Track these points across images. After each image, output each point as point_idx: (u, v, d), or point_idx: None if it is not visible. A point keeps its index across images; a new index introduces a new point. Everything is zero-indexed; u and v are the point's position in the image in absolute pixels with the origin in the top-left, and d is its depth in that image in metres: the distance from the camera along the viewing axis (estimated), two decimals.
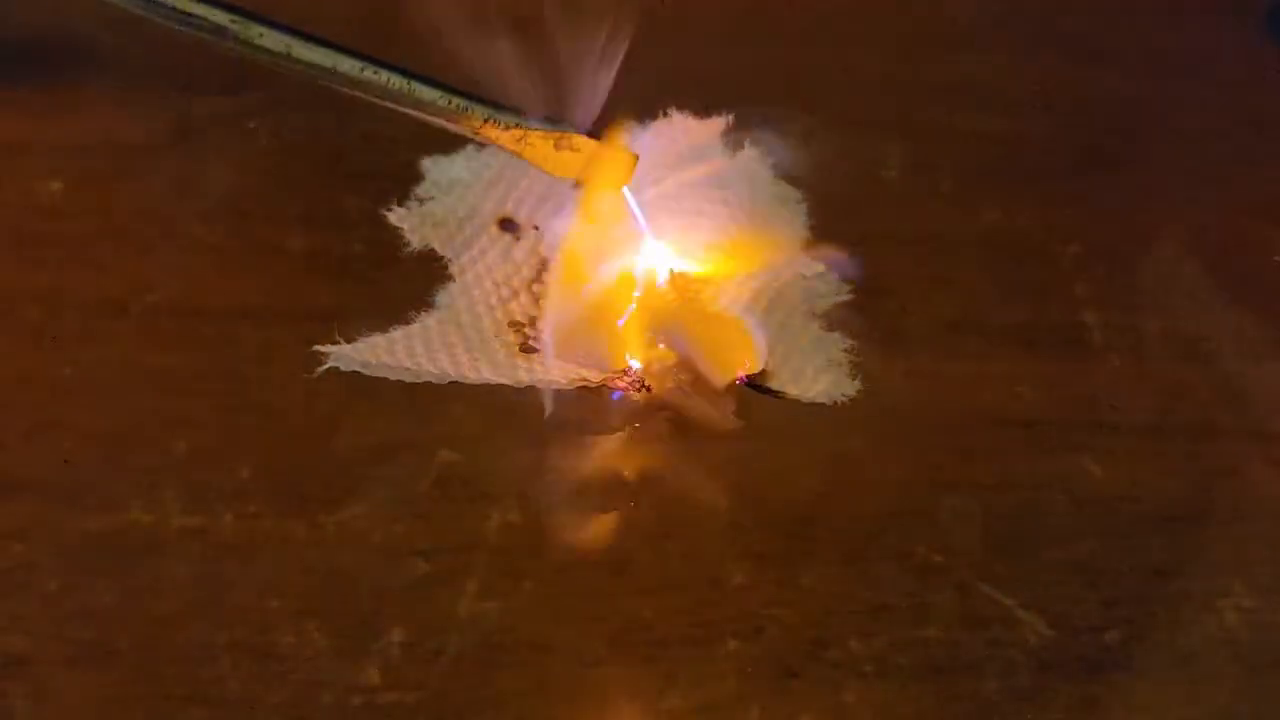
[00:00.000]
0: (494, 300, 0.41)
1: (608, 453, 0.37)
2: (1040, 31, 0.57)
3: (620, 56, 0.37)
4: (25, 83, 0.50)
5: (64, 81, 0.51)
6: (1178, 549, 0.35)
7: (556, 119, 0.38)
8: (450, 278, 0.42)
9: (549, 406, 0.37)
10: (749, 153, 0.46)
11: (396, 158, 0.47)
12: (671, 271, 0.41)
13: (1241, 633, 0.33)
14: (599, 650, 0.32)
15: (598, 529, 0.35)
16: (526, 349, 0.39)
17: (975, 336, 0.41)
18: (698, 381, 0.39)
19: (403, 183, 0.46)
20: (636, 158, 0.39)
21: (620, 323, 0.40)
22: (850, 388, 0.39)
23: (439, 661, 0.31)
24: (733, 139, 0.46)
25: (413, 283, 0.42)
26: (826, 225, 0.42)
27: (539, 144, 0.38)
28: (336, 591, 0.33)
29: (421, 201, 0.45)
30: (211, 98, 0.50)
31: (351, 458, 0.36)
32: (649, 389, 0.38)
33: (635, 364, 0.39)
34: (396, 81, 0.38)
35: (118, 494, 0.35)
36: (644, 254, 0.40)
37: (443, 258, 0.43)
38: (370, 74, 0.37)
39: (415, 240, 0.44)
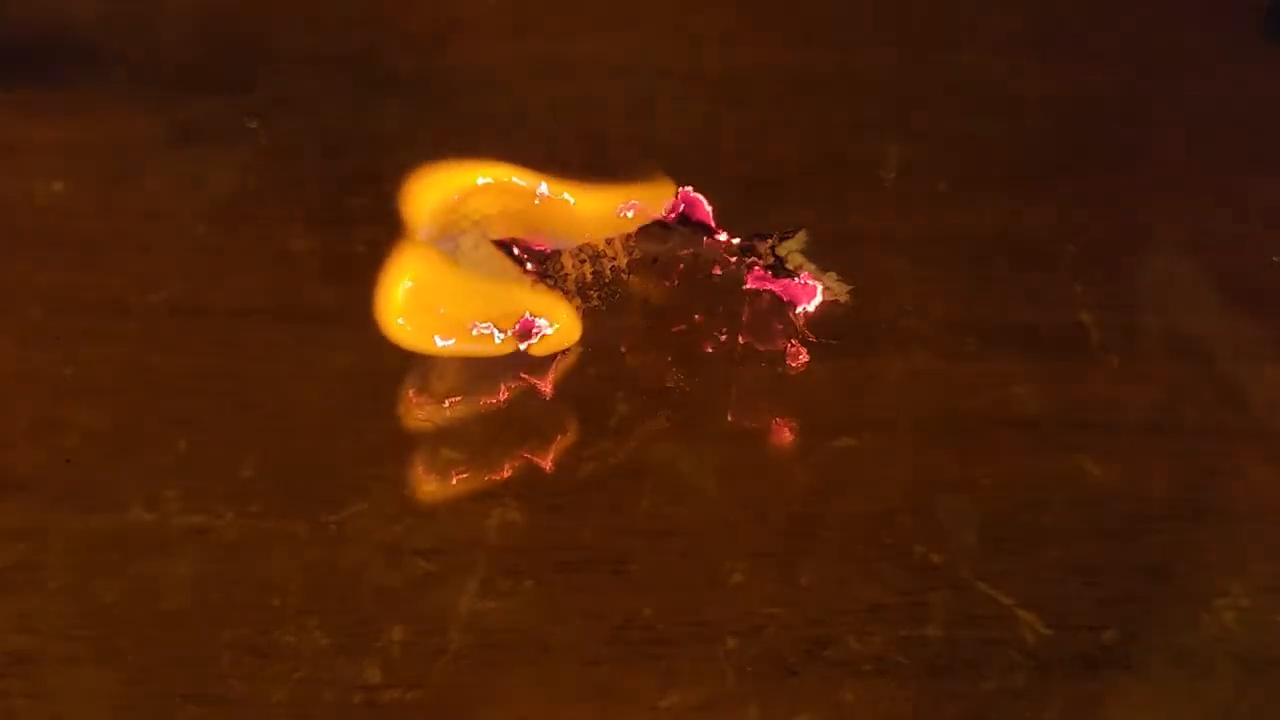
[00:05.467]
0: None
1: (607, 451, 0.37)
2: (1040, 31, 0.57)
3: None
4: (25, 83, 0.50)
5: (64, 81, 0.51)
6: (1176, 548, 0.35)
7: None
8: None
9: None
10: None
11: (396, 158, 0.47)
12: None
13: (1239, 632, 0.33)
14: (599, 649, 0.32)
15: (598, 528, 0.35)
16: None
17: (974, 336, 0.41)
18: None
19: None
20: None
21: None
22: None
23: (440, 660, 0.31)
24: None
25: None
26: (826, 225, 0.42)
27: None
28: (338, 590, 0.33)
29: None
30: (211, 98, 0.50)
31: (353, 457, 0.36)
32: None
33: None
34: None
35: (119, 493, 0.35)
36: None
37: None
38: None
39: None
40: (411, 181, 0.39)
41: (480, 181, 0.39)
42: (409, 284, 0.37)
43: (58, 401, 0.37)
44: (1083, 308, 0.43)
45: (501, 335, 0.38)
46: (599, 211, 0.40)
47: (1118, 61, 0.55)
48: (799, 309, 0.41)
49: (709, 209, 0.42)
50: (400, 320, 0.37)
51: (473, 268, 0.38)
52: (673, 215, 0.42)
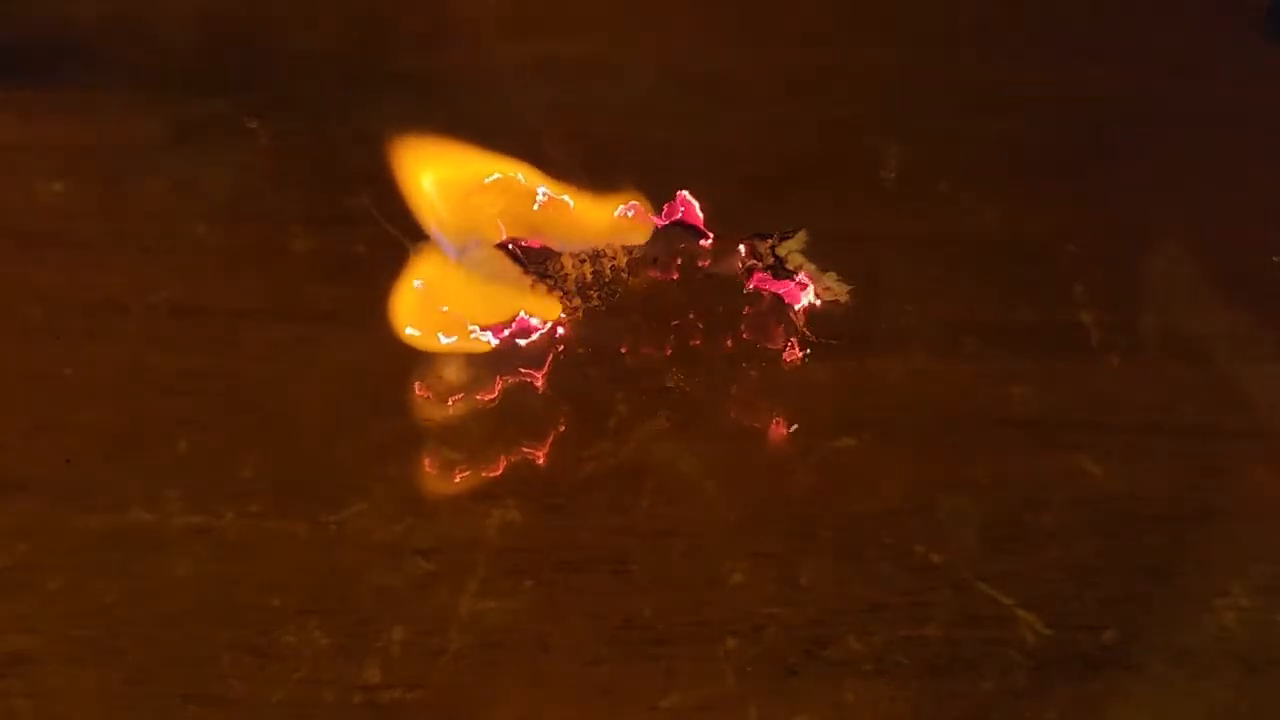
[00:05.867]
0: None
1: (607, 451, 0.37)
2: (1040, 31, 0.57)
3: None
4: (25, 83, 0.50)
5: (64, 81, 0.51)
6: (1175, 548, 0.35)
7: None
8: None
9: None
10: None
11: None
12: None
13: (1239, 632, 0.33)
14: (599, 649, 0.32)
15: (598, 528, 0.35)
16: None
17: (974, 336, 0.42)
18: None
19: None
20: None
21: None
22: None
23: (440, 660, 0.31)
24: None
25: None
26: (826, 225, 0.42)
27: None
28: (338, 590, 0.33)
29: None
30: (211, 98, 0.50)
31: (352, 457, 0.36)
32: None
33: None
34: None
35: (120, 493, 0.35)
36: None
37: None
38: None
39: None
40: (413, 182, 0.39)
41: (487, 180, 0.39)
42: (418, 284, 0.37)
43: (58, 401, 0.37)
44: (1083, 308, 0.43)
45: (498, 339, 0.38)
46: (598, 213, 0.40)
47: (1118, 61, 0.55)
48: (796, 307, 0.41)
49: (700, 214, 0.42)
50: (409, 329, 0.37)
51: (474, 268, 0.39)
52: (670, 217, 0.42)
